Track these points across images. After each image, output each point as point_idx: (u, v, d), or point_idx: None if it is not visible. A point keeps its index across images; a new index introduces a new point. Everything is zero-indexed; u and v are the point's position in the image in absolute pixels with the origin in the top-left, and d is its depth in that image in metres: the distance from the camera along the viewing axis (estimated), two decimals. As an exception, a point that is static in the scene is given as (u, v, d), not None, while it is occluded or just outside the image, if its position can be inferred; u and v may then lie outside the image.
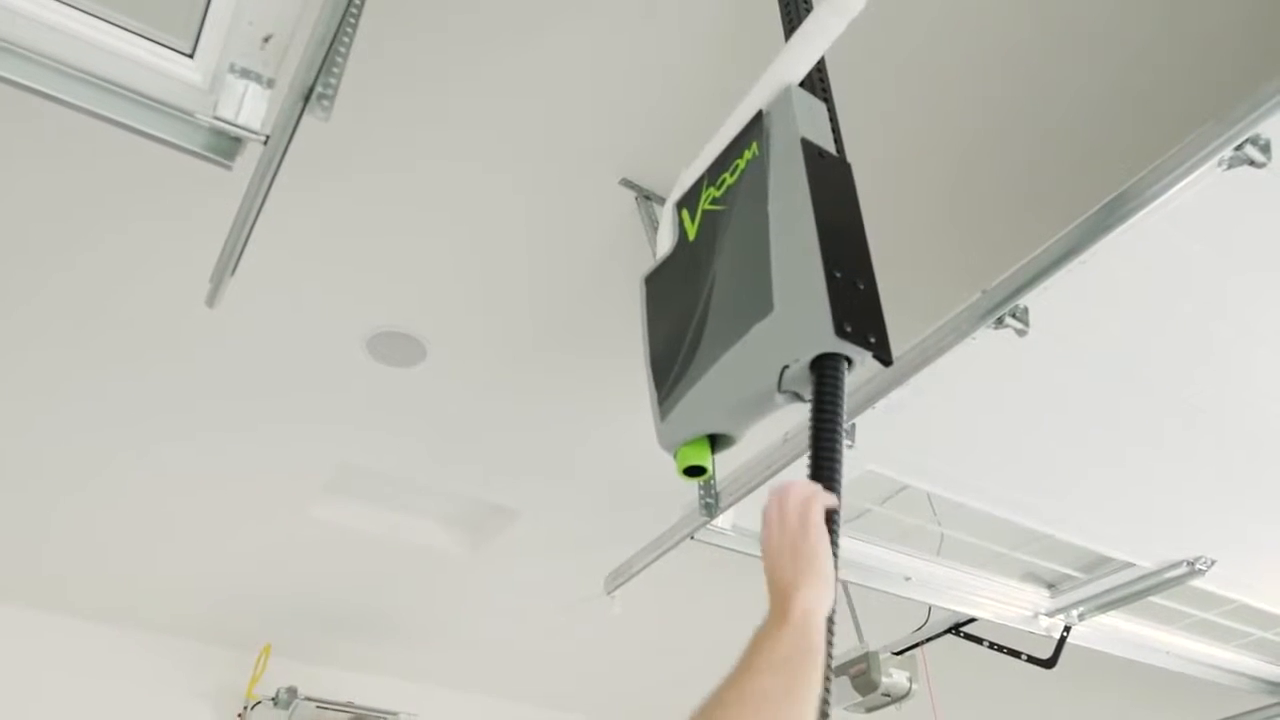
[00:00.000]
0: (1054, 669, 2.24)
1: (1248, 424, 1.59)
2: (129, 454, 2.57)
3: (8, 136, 1.70)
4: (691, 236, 1.16)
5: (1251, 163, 1.11)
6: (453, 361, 2.28)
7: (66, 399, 2.36)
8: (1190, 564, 1.94)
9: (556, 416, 2.47)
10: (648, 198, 1.81)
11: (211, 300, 1.24)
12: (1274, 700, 2.60)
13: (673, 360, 1.07)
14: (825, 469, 0.84)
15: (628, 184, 1.82)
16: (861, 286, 0.92)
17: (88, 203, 1.85)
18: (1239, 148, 1.08)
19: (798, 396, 0.93)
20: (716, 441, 1.03)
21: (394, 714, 3.49)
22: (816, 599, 0.79)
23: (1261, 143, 1.10)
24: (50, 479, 2.66)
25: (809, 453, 0.85)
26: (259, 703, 3.45)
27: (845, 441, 1.53)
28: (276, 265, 1.99)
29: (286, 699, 3.40)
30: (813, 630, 0.78)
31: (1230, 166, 1.12)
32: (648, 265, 1.31)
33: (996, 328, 1.32)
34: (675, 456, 1.04)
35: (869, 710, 2.48)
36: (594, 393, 2.37)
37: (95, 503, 2.78)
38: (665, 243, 1.22)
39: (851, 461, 1.64)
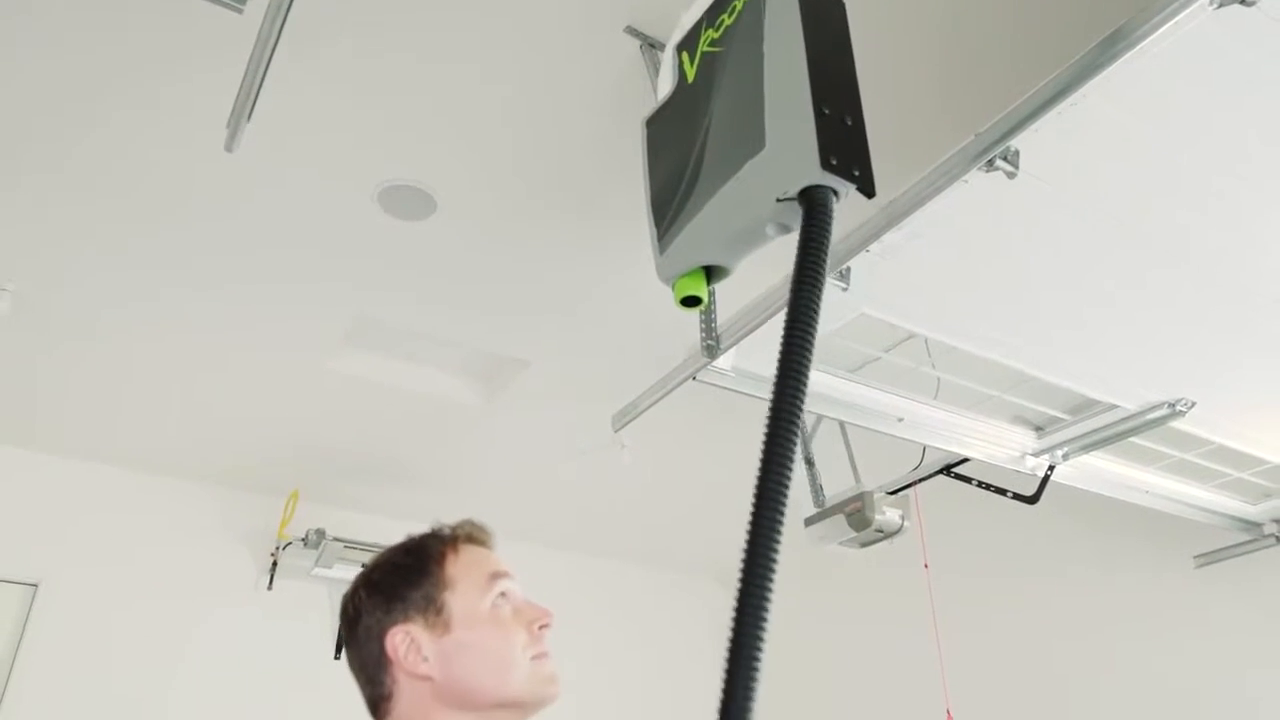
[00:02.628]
0: (1037, 505, 2.36)
1: (1233, 268, 1.64)
2: (149, 304, 2.66)
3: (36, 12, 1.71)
4: (690, 79, 1.19)
5: (1242, 1, 1.12)
6: (463, 214, 2.33)
7: (89, 250, 2.44)
8: (1171, 405, 2.02)
9: (567, 267, 2.53)
10: (652, 45, 1.82)
11: (230, 144, 1.29)
12: (1248, 538, 2.75)
13: (671, 198, 1.13)
14: (809, 279, 0.88)
15: (632, 32, 1.83)
16: (849, 122, 0.96)
17: (114, 66, 1.87)
18: (1229, -16, 1.10)
19: (786, 228, 0.99)
20: (712, 273, 1.09)
21: (417, 553, 3.71)
22: None
23: (1253, -21, 1.11)
24: (78, 328, 2.77)
25: (794, 267, 0.90)
26: (290, 543, 3.68)
27: (840, 284, 1.61)
28: (286, 122, 2.02)
29: (316, 539, 3.62)
30: None
31: (1220, 5, 1.13)
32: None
33: (988, 170, 1.36)
34: (673, 288, 1.10)
35: (863, 545, 2.64)
36: (604, 243, 2.43)
37: (124, 353, 2.90)
38: (665, 86, 1.25)
39: (846, 305, 1.72)
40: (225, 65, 1.81)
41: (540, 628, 1.05)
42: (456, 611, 1.02)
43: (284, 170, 2.18)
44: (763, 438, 0.81)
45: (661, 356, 2.12)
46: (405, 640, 1.00)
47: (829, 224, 0.93)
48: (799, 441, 2.67)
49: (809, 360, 0.83)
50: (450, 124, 2.07)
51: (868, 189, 0.95)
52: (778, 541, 0.71)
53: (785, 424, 0.77)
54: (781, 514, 0.75)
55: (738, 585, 0.69)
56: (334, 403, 3.19)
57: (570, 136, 2.10)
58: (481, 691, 0.99)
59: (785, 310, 0.89)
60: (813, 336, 0.86)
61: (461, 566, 1.06)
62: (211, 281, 2.57)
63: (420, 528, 1.13)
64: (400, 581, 1.04)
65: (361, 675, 1.04)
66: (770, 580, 0.67)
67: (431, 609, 1.02)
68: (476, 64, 1.92)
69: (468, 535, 1.10)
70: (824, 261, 0.89)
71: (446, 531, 1.10)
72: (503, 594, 1.05)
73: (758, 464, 0.81)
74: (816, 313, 0.87)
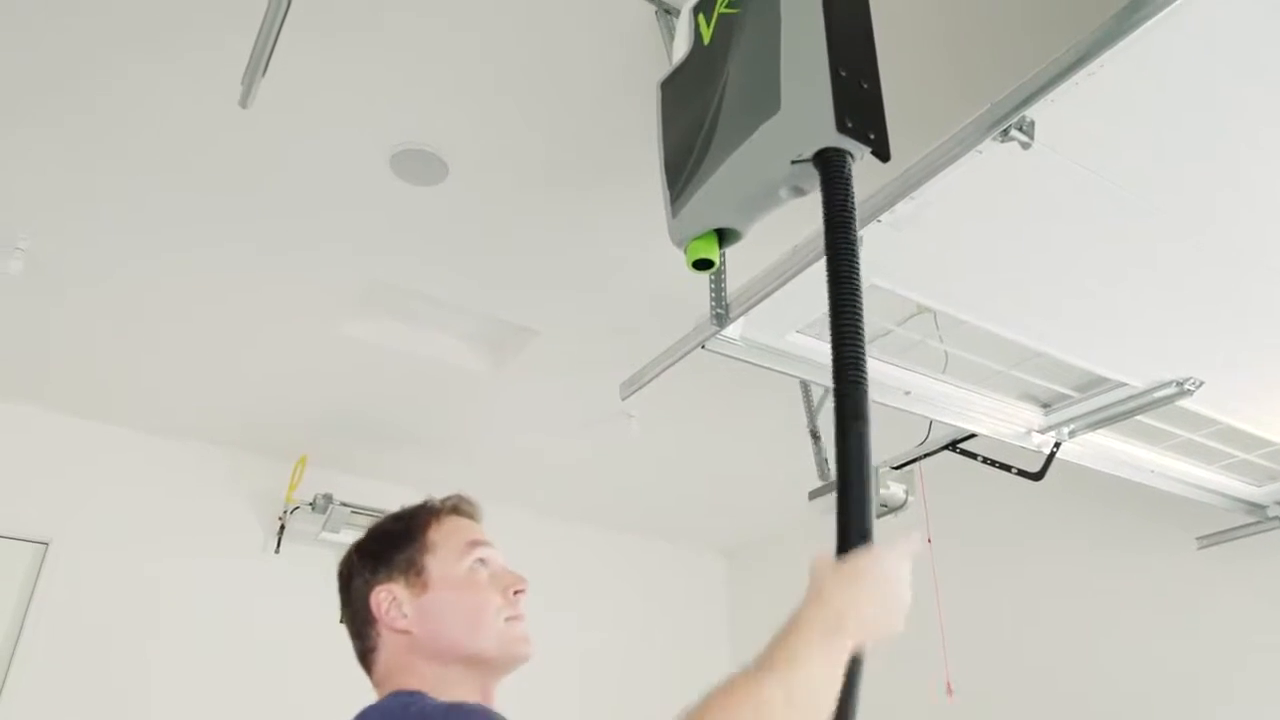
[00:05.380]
0: (1042, 483, 2.37)
1: (1250, 246, 1.63)
2: (160, 266, 2.67)
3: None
4: (706, 40, 1.19)
5: (1265, -29, 1.11)
6: (475, 180, 2.33)
7: (101, 211, 2.44)
8: (1179, 384, 2.02)
9: (578, 237, 2.53)
10: (667, 11, 1.81)
11: (244, 100, 1.29)
12: (1253, 519, 2.75)
13: (685, 160, 1.13)
14: (841, 238, 0.90)
15: (648, -3, 1.82)
16: (865, 86, 0.96)
17: (127, 26, 1.87)
18: (1252, -47, 1.09)
19: (800, 191, 0.99)
20: (724, 236, 1.10)
21: (423, 520, 3.74)
22: (861, 642, 0.81)
23: (1277, -51, 1.10)
24: (89, 289, 2.79)
25: (824, 225, 0.91)
26: (297, 507, 3.71)
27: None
28: (300, 84, 2.02)
29: (323, 504, 3.65)
30: (842, 670, 0.79)
31: (1243, -25, 1.12)
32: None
33: (1002, 141, 1.35)
34: (685, 251, 1.11)
35: (866, 519, 2.65)
36: (617, 212, 2.43)
37: (135, 314, 2.91)
38: (681, 48, 1.25)
39: (857, 276, 1.72)
40: (242, 24, 1.81)
41: (515, 593, 1.13)
42: (435, 573, 1.11)
43: (297, 133, 2.18)
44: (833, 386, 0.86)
45: (673, 328, 2.12)
46: (388, 598, 1.09)
47: (849, 180, 0.93)
48: (808, 410, 2.68)
49: (860, 302, 0.85)
50: (463, 89, 2.07)
51: (883, 152, 0.95)
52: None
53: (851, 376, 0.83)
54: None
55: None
56: (344, 368, 3.21)
57: (584, 104, 2.09)
58: (454, 646, 1.06)
59: (826, 265, 0.90)
60: (858, 284, 0.87)
61: (443, 534, 1.14)
62: (224, 244, 2.57)
63: (423, 494, 1.22)
64: (387, 546, 1.14)
65: (352, 630, 1.13)
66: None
67: (412, 570, 1.11)
68: (490, 28, 1.91)
69: (453, 507, 1.19)
70: (853, 213, 0.89)
71: (435, 503, 1.19)
72: (481, 560, 1.13)
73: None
74: (856, 259, 0.88)
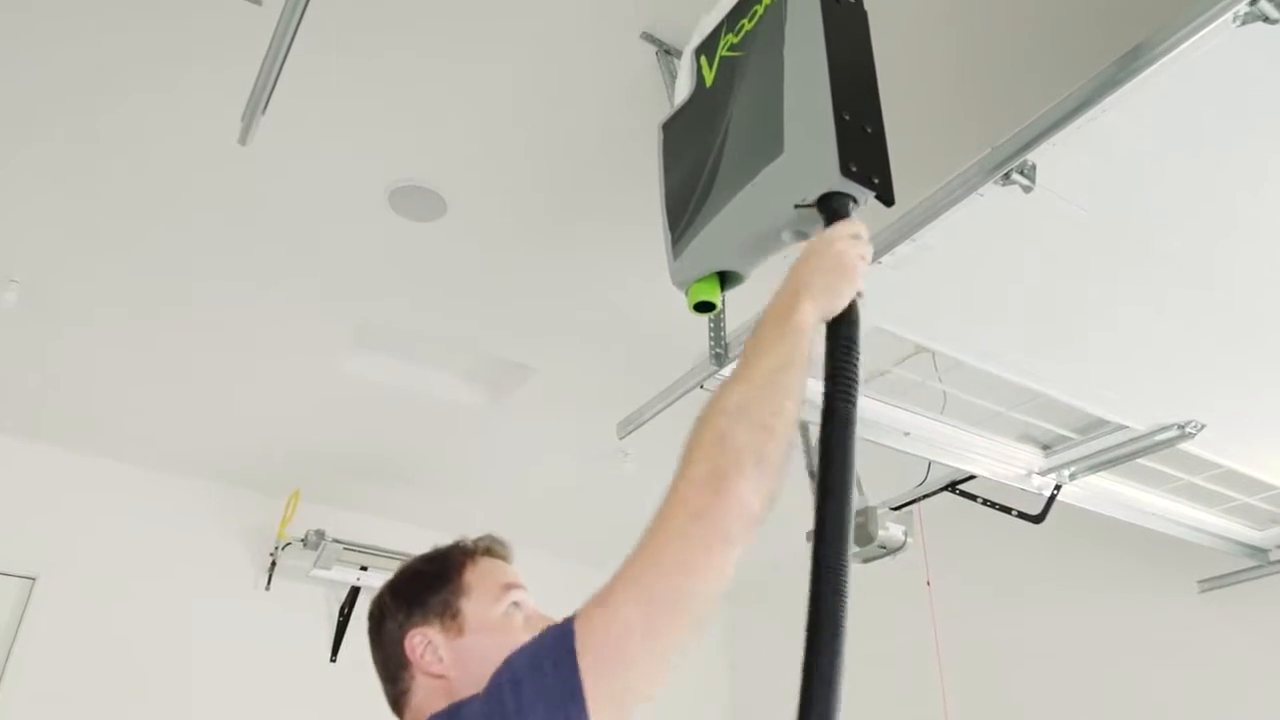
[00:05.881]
0: (1042, 525, 2.34)
1: (1248, 289, 1.63)
2: (156, 300, 2.66)
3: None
4: (709, 83, 1.19)
5: (1265, 19, 1.12)
6: (474, 217, 2.33)
7: (97, 245, 2.44)
8: (1181, 427, 2.01)
9: (577, 275, 2.52)
10: (668, 52, 1.81)
11: (244, 138, 1.29)
12: (1254, 563, 2.73)
13: (686, 202, 1.12)
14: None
15: (649, 38, 1.82)
16: (869, 130, 0.96)
17: (125, 58, 1.87)
18: (1253, 2, 1.09)
19: (803, 235, 0.99)
20: (726, 279, 1.09)
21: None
22: (818, 312, 0.92)
23: (1277, -2, 1.10)
24: (84, 322, 2.77)
25: None
26: (289, 543, 3.66)
27: (852, 295, 1.59)
28: (298, 120, 2.02)
29: (315, 540, 3.60)
30: (805, 341, 0.91)
31: (1244, 23, 1.12)
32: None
33: (1004, 184, 1.35)
34: (686, 293, 1.10)
35: (865, 561, 2.62)
36: (616, 251, 2.42)
37: (129, 348, 2.89)
38: (683, 90, 1.25)
39: (857, 317, 1.71)
40: (238, 60, 1.81)
41: None
42: (471, 617, 1.08)
43: (295, 168, 2.18)
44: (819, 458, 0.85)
45: (672, 368, 2.11)
46: (423, 642, 1.06)
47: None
48: (807, 454, 2.66)
49: (858, 368, 0.86)
50: (463, 126, 2.07)
51: (887, 197, 0.94)
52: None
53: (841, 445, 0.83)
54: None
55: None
56: (339, 404, 3.18)
57: (584, 143, 2.10)
58: None
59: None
60: (858, 348, 0.87)
61: (478, 576, 1.11)
62: (219, 277, 2.56)
63: (424, 532, 1.21)
64: (422, 588, 1.11)
65: (383, 673, 1.10)
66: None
67: (448, 613, 1.08)
68: (491, 67, 1.92)
69: (487, 548, 1.16)
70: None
71: (468, 544, 1.16)
72: (515, 603, 1.11)
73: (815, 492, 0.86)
74: (858, 320, 0.88)
